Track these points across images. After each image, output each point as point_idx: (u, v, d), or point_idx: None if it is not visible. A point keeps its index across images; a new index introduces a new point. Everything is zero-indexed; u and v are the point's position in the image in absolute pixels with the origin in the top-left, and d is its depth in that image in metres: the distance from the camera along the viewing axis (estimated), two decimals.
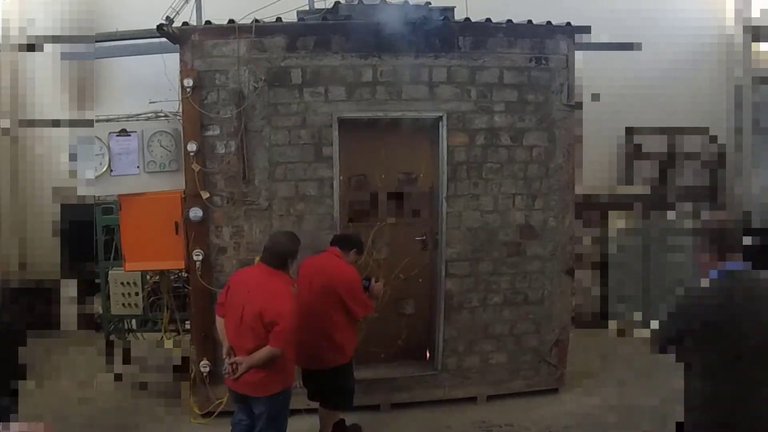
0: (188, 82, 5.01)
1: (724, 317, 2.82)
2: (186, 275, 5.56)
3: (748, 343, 2.76)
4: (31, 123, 7.29)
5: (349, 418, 5.01)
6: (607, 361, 6.46)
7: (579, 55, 5.57)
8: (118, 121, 5.56)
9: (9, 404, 3.86)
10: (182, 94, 5.09)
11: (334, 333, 4.46)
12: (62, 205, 7.34)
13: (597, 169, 7.20)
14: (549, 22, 5.42)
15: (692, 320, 2.87)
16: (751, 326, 2.79)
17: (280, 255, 3.99)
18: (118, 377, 5.92)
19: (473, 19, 5.34)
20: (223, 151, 5.15)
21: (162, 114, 5.76)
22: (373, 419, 5.28)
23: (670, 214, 7.73)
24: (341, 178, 5.31)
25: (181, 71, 5.10)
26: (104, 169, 5.31)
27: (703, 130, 7.80)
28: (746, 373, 2.74)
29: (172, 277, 5.96)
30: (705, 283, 2.96)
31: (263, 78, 5.11)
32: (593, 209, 7.31)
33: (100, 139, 5.29)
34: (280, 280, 3.93)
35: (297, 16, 5.56)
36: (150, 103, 5.92)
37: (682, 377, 3.12)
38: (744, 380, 2.75)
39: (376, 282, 4.82)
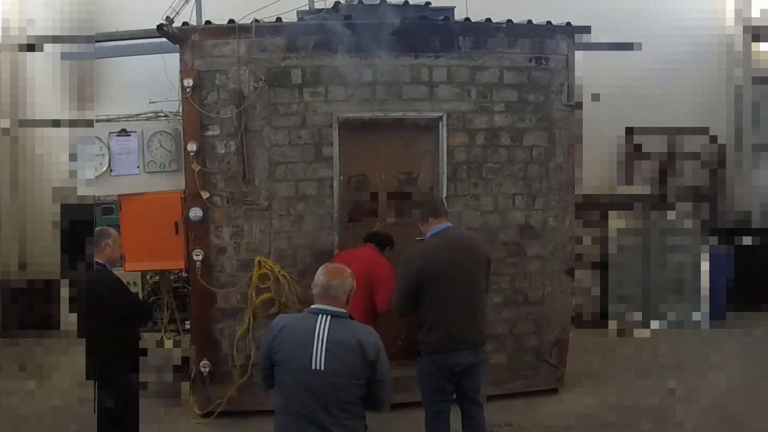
0: (188, 82, 5.01)
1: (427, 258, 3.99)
2: (186, 275, 5.56)
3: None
4: (31, 123, 7.30)
5: None
6: (607, 361, 6.45)
7: (579, 55, 5.57)
8: (118, 121, 5.55)
9: (137, 376, 4.18)
10: (182, 94, 5.09)
11: (364, 318, 4.47)
12: (62, 205, 7.35)
13: (597, 169, 7.21)
14: (549, 22, 5.42)
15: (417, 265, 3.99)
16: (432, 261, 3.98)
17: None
18: None
19: (473, 19, 5.34)
20: (223, 151, 5.15)
21: (162, 114, 5.76)
22: (373, 419, 5.26)
23: (670, 214, 7.74)
24: (341, 178, 5.31)
25: (181, 71, 5.10)
26: (104, 169, 5.30)
27: (703, 130, 7.81)
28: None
29: (172, 277, 5.95)
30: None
31: (263, 78, 5.10)
32: (593, 209, 7.32)
33: (100, 139, 5.28)
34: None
35: (297, 16, 5.56)
36: (150, 103, 5.92)
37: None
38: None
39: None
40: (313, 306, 2.98)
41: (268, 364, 3.00)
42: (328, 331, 2.88)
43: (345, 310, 2.99)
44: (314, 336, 2.87)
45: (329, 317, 2.92)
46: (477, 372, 4.12)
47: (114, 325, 4.05)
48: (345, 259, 4.71)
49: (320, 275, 3.01)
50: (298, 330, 2.94)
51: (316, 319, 2.92)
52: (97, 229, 4.37)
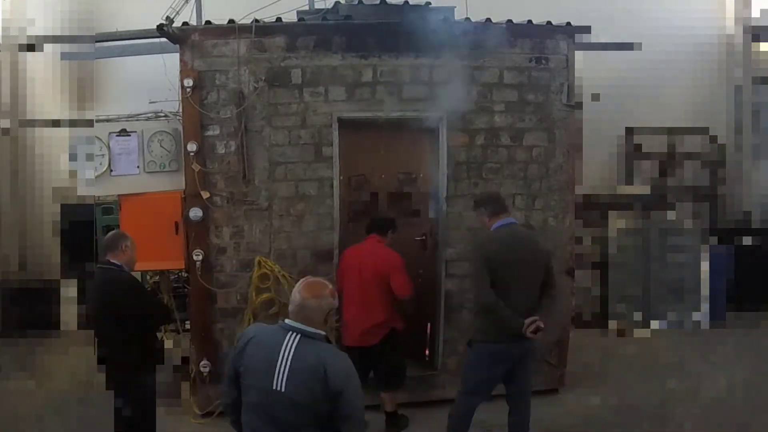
0: (188, 82, 5.01)
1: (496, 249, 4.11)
2: (186, 275, 5.56)
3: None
4: (31, 123, 7.31)
5: None
6: (607, 361, 6.45)
7: (579, 55, 5.56)
8: (118, 121, 5.57)
9: (154, 382, 4.14)
10: (182, 94, 5.09)
11: (382, 313, 4.82)
12: (62, 205, 7.35)
13: (597, 169, 7.21)
14: (549, 22, 5.42)
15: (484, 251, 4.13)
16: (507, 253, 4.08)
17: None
18: None
19: (473, 19, 5.34)
20: (223, 151, 5.15)
21: (162, 114, 5.77)
22: (373, 419, 5.27)
23: (670, 214, 7.75)
24: (341, 178, 5.31)
25: (181, 71, 5.10)
26: (104, 169, 5.30)
27: (703, 130, 7.81)
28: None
29: (172, 277, 5.95)
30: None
31: (263, 78, 5.10)
32: (593, 209, 7.32)
33: (100, 139, 5.28)
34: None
35: (297, 16, 5.57)
36: (150, 103, 5.94)
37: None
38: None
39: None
40: (286, 320, 2.74)
41: (232, 373, 2.78)
42: (294, 350, 2.64)
43: (320, 331, 2.71)
44: (279, 354, 2.63)
45: (299, 336, 2.67)
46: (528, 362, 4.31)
47: (130, 328, 3.94)
48: (353, 258, 4.91)
49: (296, 292, 2.76)
50: (266, 345, 2.71)
51: (285, 336, 2.68)
52: (114, 231, 4.32)
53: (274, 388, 2.61)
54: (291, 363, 2.62)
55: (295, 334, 2.68)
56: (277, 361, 2.63)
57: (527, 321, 4.01)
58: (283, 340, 2.67)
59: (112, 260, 4.03)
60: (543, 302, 4.17)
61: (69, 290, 7.38)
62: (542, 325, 4.04)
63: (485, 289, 4.04)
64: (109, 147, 5.29)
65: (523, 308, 4.05)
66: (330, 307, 2.76)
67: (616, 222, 7.61)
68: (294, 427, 2.62)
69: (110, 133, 5.31)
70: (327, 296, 2.76)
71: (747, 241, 8.15)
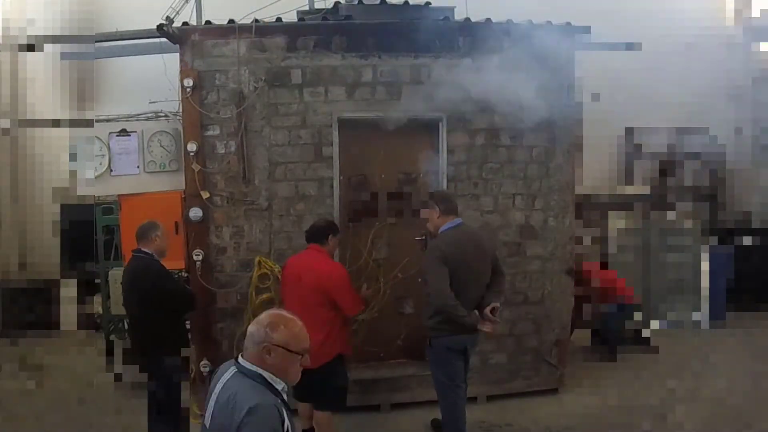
0: (188, 82, 5.01)
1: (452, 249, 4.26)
2: (186, 275, 5.56)
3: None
4: (31, 123, 7.31)
5: (350, 418, 5.02)
6: (607, 361, 6.46)
7: (579, 55, 5.56)
8: (118, 121, 5.57)
9: (179, 363, 4.36)
10: (182, 94, 5.09)
11: (323, 331, 4.33)
12: (62, 205, 7.36)
13: (597, 169, 7.21)
14: (549, 22, 5.42)
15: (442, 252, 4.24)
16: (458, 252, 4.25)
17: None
18: (118, 377, 5.91)
19: (473, 19, 5.33)
20: (223, 151, 5.15)
21: (162, 114, 5.76)
22: (373, 419, 5.28)
23: (670, 214, 7.75)
24: (341, 178, 5.31)
25: (181, 71, 5.10)
26: (104, 169, 5.30)
27: (703, 130, 7.81)
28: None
29: None
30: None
31: (263, 78, 5.10)
32: (593, 209, 7.32)
33: (100, 139, 5.29)
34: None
35: (297, 16, 5.56)
36: (150, 103, 5.93)
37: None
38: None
39: (367, 290, 4.92)
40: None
41: None
42: (223, 386, 2.50)
43: (253, 368, 2.46)
44: (215, 389, 2.54)
45: (234, 371, 2.51)
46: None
47: (159, 314, 4.25)
48: (293, 268, 4.56)
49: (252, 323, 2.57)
50: (214, 380, 2.61)
51: (227, 370, 2.56)
52: (147, 221, 4.47)
53: (205, 423, 2.54)
54: (217, 398, 2.50)
55: (232, 368, 2.54)
56: (212, 396, 2.55)
57: (486, 310, 4.31)
58: (222, 375, 2.56)
59: (143, 249, 4.37)
60: (494, 289, 4.45)
61: (69, 290, 7.40)
62: (498, 305, 4.41)
63: (445, 292, 4.18)
64: (109, 147, 5.30)
65: (476, 301, 4.34)
66: (263, 340, 2.44)
67: (616, 222, 7.62)
68: None
69: (110, 133, 5.31)
70: (264, 327, 2.47)
71: (747, 241, 8.16)
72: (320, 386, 4.42)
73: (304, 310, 4.05)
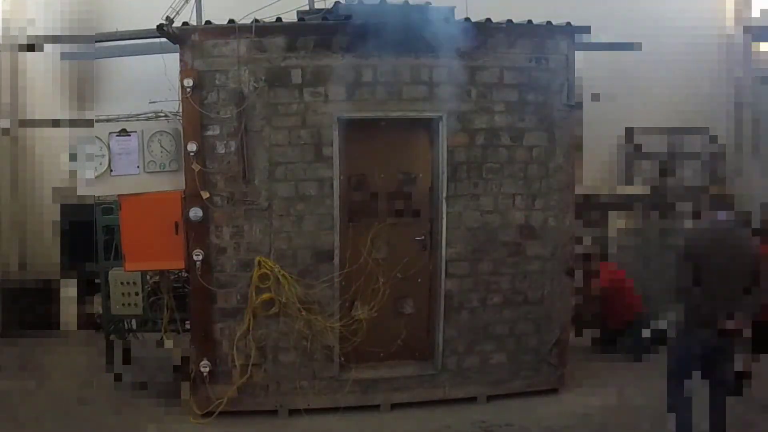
0: (188, 82, 5.01)
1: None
2: (186, 275, 5.56)
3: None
4: (31, 123, 7.32)
5: (350, 418, 5.02)
6: (607, 361, 6.45)
7: (579, 55, 5.56)
8: (118, 121, 5.55)
9: None
10: (182, 94, 5.09)
11: None
12: (62, 205, 7.36)
13: (597, 169, 7.21)
14: (549, 22, 5.42)
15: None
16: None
17: None
18: (118, 377, 5.92)
19: (473, 19, 5.34)
20: (223, 151, 5.15)
21: (162, 114, 5.75)
22: (373, 419, 5.28)
23: (670, 214, 7.74)
24: (341, 178, 5.31)
25: (181, 71, 5.10)
26: (104, 169, 5.30)
27: (703, 130, 7.81)
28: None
29: (172, 277, 5.95)
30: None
31: (263, 78, 5.10)
32: (593, 209, 7.32)
33: (100, 139, 5.28)
34: None
35: (297, 16, 5.55)
36: (150, 103, 5.91)
37: None
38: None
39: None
40: None
41: None
42: None
43: None
44: None
45: None
46: None
47: None
48: None
49: None
50: None
51: None
52: None
53: None
54: None
55: None
56: None
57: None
58: None
59: None
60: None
61: (69, 290, 7.41)
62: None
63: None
64: (109, 147, 5.28)
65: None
66: None
67: (616, 222, 7.62)
68: None
69: (110, 133, 5.30)
70: None
71: None
72: None
73: None
